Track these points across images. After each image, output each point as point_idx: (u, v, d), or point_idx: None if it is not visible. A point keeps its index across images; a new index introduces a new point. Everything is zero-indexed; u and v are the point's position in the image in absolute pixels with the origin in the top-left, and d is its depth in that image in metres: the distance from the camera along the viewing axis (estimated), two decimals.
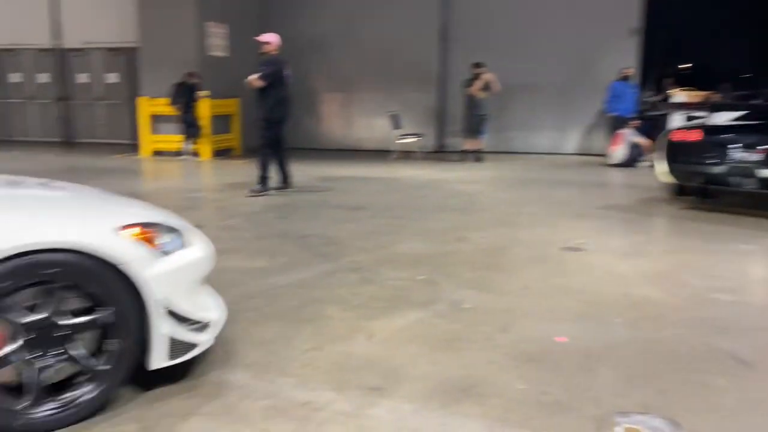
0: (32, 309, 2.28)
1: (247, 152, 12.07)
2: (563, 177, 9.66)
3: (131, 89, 13.44)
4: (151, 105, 11.77)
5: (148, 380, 2.62)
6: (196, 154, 11.60)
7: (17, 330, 2.24)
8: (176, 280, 2.58)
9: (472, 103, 11.34)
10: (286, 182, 7.98)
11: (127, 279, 2.40)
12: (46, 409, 2.30)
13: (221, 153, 11.95)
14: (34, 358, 2.28)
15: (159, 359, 2.52)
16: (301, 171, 9.77)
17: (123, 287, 2.40)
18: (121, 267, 2.38)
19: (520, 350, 3.12)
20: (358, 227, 5.95)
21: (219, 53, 12.08)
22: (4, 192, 2.82)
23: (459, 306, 3.77)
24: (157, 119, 11.88)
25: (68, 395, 2.35)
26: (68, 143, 14.23)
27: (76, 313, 2.36)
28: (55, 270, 2.26)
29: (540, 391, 2.70)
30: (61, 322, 2.31)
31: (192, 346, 2.65)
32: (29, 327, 2.26)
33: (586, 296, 3.96)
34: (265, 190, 7.68)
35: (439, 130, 13.50)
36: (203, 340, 2.72)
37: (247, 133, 12.49)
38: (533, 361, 3.00)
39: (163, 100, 11.28)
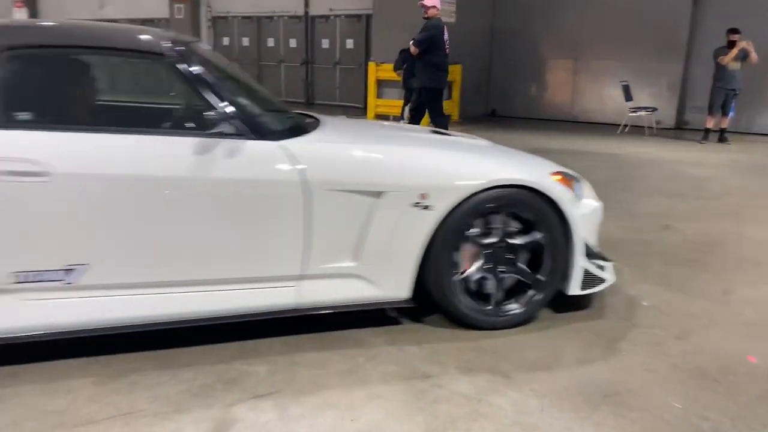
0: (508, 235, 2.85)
1: (465, 119, 12.09)
2: None
3: (364, 54, 14.20)
4: (378, 70, 12.31)
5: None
6: None
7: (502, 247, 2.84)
8: (588, 222, 2.98)
9: (722, 75, 9.87)
10: None
11: (560, 215, 2.82)
12: (512, 310, 2.91)
13: None
14: (496, 271, 2.87)
15: (575, 287, 2.96)
16: (512, 141, 9.48)
17: (558, 222, 2.83)
18: (559, 205, 2.80)
19: (692, 364, 2.66)
20: None
21: (447, 19, 12.11)
22: (452, 139, 3.40)
23: (635, 302, 3.34)
24: (382, 84, 12.40)
25: (525, 297, 2.92)
26: (309, 104, 15.58)
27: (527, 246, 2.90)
28: (519, 202, 2.78)
29: (700, 415, 2.27)
30: (514, 243, 2.86)
31: (599, 281, 3.04)
32: (494, 246, 2.84)
33: None
34: None
35: (679, 105, 12.03)
36: (609, 278, 3.09)
37: (466, 99, 12.47)
38: (705, 378, 2.54)
39: (388, 66, 11.70)
